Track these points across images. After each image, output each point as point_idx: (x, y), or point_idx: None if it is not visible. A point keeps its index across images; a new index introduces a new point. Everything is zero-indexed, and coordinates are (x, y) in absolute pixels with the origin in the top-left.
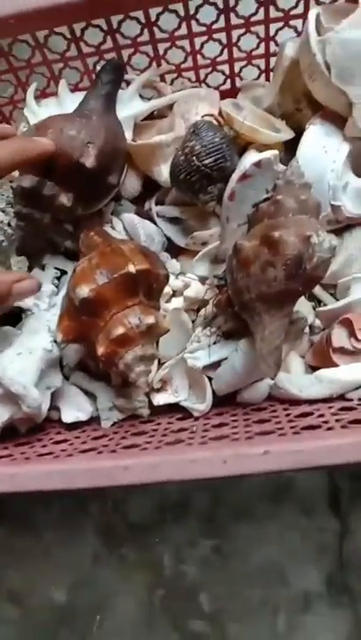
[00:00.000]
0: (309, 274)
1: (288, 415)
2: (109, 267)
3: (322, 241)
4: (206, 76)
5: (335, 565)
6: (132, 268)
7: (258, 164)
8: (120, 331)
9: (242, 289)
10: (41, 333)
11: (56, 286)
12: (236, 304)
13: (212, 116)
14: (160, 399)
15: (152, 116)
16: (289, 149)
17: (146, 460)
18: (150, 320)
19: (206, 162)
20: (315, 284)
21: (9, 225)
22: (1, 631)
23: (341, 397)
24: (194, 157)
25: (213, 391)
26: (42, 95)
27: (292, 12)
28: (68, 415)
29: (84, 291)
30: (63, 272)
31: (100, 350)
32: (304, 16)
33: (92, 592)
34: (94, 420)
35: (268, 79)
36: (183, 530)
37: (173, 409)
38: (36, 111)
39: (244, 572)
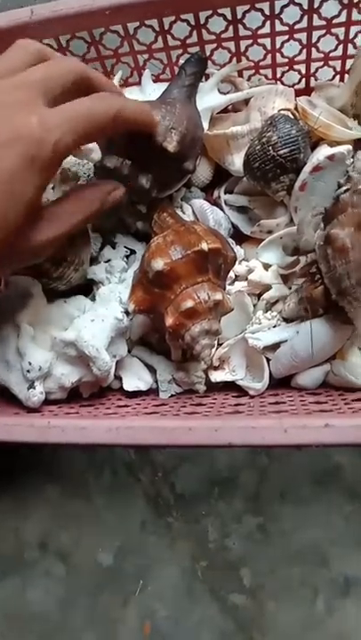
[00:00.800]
0: None
1: (345, 399)
2: (183, 243)
3: None
4: (283, 74)
5: None
6: (204, 246)
7: (331, 157)
8: (189, 304)
9: (341, 276)
10: (113, 303)
11: (126, 263)
12: (333, 292)
13: (288, 110)
14: (217, 376)
15: (227, 110)
16: (359, 148)
17: (209, 423)
18: (218, 296)
19: (281, 152)
20: None
21: (77, 176)
22: (48, 585)
23: None
24: (270, 147)
25: (270, 373)
26: (124, 84)
27: None
28: (130, 384)
29: (160, 264)
30: (132, 251)
31: (169, 321)
32: None
33: (137, 557)
34: (153, 392)
35: (342, 81)
36: (229, 505)
37: (229, 387)
38: None
39: (286, 551)
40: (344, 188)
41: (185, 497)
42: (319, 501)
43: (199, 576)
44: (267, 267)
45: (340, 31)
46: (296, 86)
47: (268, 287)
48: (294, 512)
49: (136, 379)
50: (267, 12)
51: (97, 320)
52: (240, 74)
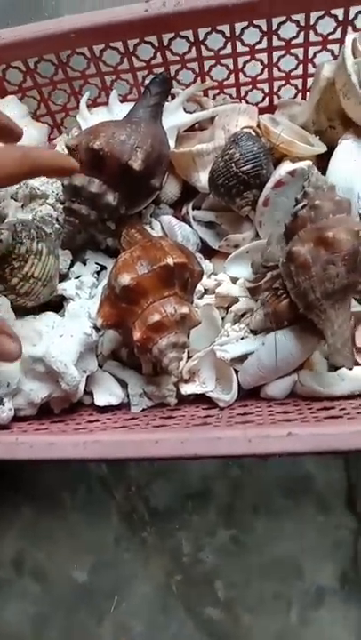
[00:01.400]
0: None
1: (311, 409)
2: (150, 259)
3: None
4: (247, 93)
5: (350, 562)
6: (170, 261)
7: (292, 173)
8: (156, 318)
9: (306, 290)
10: (82, 319)
11: (96, 279)
12: (300, 306)
13: (251, 128)
14: (188, 389)
15: (193, 129)
16: (321, 163)
17: (176, 435)
18: (184, 310)
19: (244, 169)
20: None
21: (57, 220)
22: (23, 604)
23: None
24: (233, 164)
25: (239, 384)
26: (92, 104)
27: (330, 37)
28: (101, 399)
29: (126, 279)
30: (103, 267)
31: (137, 335)
32: (341, 41)
33: (112, 573)
34: (124, 406)
35: (304, 98)
36: (203, 518)
37: (200, 400)
38: (88, 118)
39: (259, 563)
40: (301, 204)
41: (159, 511)
42: (291, 512)
43: (174, 591)
44: (234, 280)
45: (300, 51)
46: (260, 104)
47: (235, 300)
48: (267, 524)
49: (107, 394)
50: (228, 33)
51: (65, 335)
52: (205, 93)
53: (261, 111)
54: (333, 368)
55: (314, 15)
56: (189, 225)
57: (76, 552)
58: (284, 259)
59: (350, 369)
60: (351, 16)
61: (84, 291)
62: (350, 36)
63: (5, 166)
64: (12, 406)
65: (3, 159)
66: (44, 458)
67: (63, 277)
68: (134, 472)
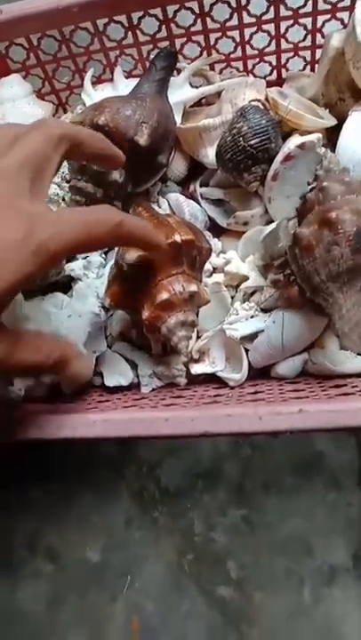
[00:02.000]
0: None
1: (322, 387)
2: None
3: None
4: (254, 66)
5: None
6: (177, 238)
7: (301, 146)
8: (164, 296)
9: (311, 273)
10: (90, 299)
11: (104, 259)
12: (307, 290)
13: (258, 101)
14: (197, 369)
15: (200, 104)
16: (331, 137)
17: (185, 413)
18: (193, 288)
19: (252, 142)
20: None
21: (63, 199)
22: (38, 584)
23: None
24: (240, 138)
25: (250, 364)
26: (97, 82)
27: (340, 5)
28: (111, 380)
29: (133, 256)
30: (111, 247)
31: (145, 314)
32: (351, 8)
33: (124, 553)
34: (134, 386)
35: (313, 70)
36: (214, 498)
37: (210, 379)
38: (93, 95)
39: (271, 542)
40: (310, 187)
41: (170, 491)
42: (302, 491)
43: (186, 570)
44: (244, 258)
45: (308, 21)
46: (268, 78)
47: (245, 278)
48: (278, 503)
49: (117, 374)
50: (233, 4)
51: (74, 316)
52: (212, 67)
53: (269, 84)
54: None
55: None
56: (197, 202)
57: (89, 533)
58: (290, 242)
59: (359, 354)
60: None
61: (92, 271)
62: None
63: (99, 236)
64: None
65: (97, 227)
66: (54, 437)
67: (71, 258)
68: (145, 452)
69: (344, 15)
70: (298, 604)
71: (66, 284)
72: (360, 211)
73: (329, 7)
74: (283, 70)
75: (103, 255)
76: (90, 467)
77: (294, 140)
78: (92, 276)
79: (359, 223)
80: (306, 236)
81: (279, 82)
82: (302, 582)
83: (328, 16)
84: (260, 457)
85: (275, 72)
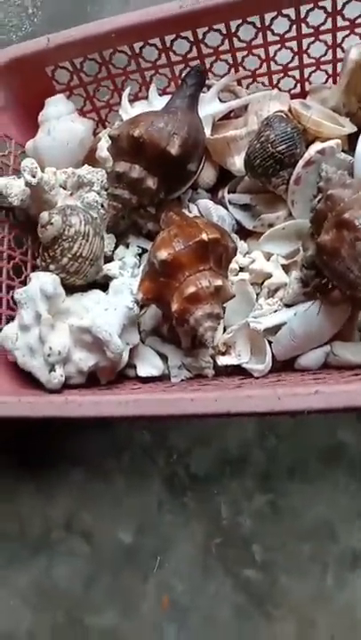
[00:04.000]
0: None
1: (342, 376)
2: (185, 236)
3: None
4: (279, 80)
5: None
6: (204, 237)
7: (322, 152)
8: (192, 290)
9: (344, 273)
10: (124, 293)
11: (138, 260)
12: (345, 289)
13: (282, 111)
14: (224, 361)
15: (229, 117)
16: (353, 144)
17: (209, 394)
18: (219, 282)
19: (280, 148)
20: None
21: (102, 205)
22: (73, 563)
23: None
24: (269, 145)
25: (274, 356)
26: (134, 99)
27: (358, 21)
28: (143, 370)
29: (163, 254)
30: (144, 250)
31: (175, 307)
32: None
33: (155, 536)
34: (165, 377)
35: (335, 83)
36: (241, 484)
37: (236, 371)
38: (130, 111)
39: (295, 527)
40: (317, 199)
41: (199, 477)
42: (326, 479)
43: (213, 552)
44: (268, 257)
45: (328, 37)
46: (293, 91)
47: (269, 275)
48: (302, 489)
49: (149, 365)
50: (258, 24)
51: (110, 309)
52: (239, 82)
53: (294, 97)
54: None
55: (340, 1)
56: (225, 208)
57: (122, 515)
58: (315, 253)
59: None
60: None
61: (127, 270)
62: None
63: None
64: (62, 373)
65: None
66: (90, 415)
67: (108, 260)
68: (175, 439)
69: None
70: (322, 588)
71: (104, 285)
72: None
73: (348, 24)
74: (306, 84)
75: (137, 257)
76: (124, 453)
77: (315, 147)
78: (127, 275)
79: None
80: (328, 242)
81: (303, 94)
82: (326, 567)
83: (347, 32)
84: (284, 445)
85: (298, 85)
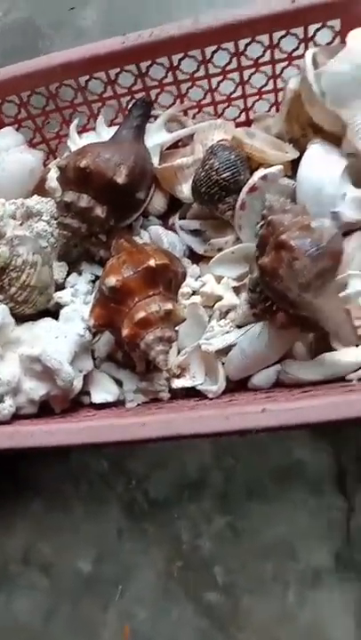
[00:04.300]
0: (329, 249)
1: (293, 393)
2: (134, 262)
3: (322, 223)
4: (223, 110)
5: (343, 542)
6: (152, 263)
7: (264, 178)
8: (142, 315)
9: (283, 292)
10: (75, 321)
11: (91, 287)
12: (288, 308)
13: (226, 140)
14: (179, 383)
15: (176, 146)
16: (295, 169)
17: (161, 417)
18: (168, 306)
19: (224, 175)
20: (340, 255)
21: (52, 234)
22: (32, 596)
23: (342, 379)
24: (213, 172)
25: (227, 376)
26: (82, 130)
27: (295, 54)
28: (98, 396)
29: (112, 281)
30: (97, 277)
31: (125, 332)
32: (304, 56)
33: (116, 563)
34: (121, 403)
35: (277, 111)
36: (199, 507)
37: (191, 394)
38: (78, 142)
39: (255, 547)
40: (260, 224)
41: (158, 502)
42: (284, 498)
43: (175, 577)
44: (218, 280)
45: (268, 69)
46: (238, 119)
47: (219, 298)
48: (261, 509)
49: (104, 391)
50: (199, 57)
51: (60, 336)
52: (185, 113)
53: (239, 125)
54: (314, 355)
55: (276, 35)
56: (176, 234)
57: (81, 544)
58: (258, 275)
59: (357, 346)
60: (311, 34)
61: (79, 297)
62: (310, 51)
63: None
64: (12, 403)
65: None
66: (42, 445)
67: (60, 287)
68: (133, 465)
69: (300, 61)
70: (284, 607)
71: (56, 313)
72: (305, 225)
73: (285, 56)
74: (250, 112)
75: (91, 284)
76: (82, 481)
77: (258, 173)
78: (80, 302)
79: (307, 234)
80: (268, 263)
81: (248, 123)
82: (287, 586)
83: (286, 63)
84: (242, 466)
85: (243, 114)
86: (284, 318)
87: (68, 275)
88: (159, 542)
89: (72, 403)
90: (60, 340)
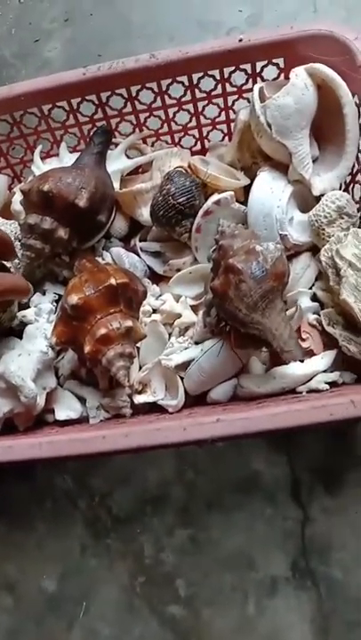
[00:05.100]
0: (273, 271)
1: (248, 406)
2: (95, 281)
3: (266, 246)
4: (180, 139)
5: (299, 551)
6: (113, 281)
7: (217, 202)
8: (103, 331)
9: (234, 312)
10: (39, 339)
11: (54, 307)
12: (239, 327)
13: (182, 167)
14: (140, 399)
15: (137, 172)
16: (247, 195)
17: (120, 430)
18: (129, 324)
19: (180, 200)
20: (284, 276)
21: (16, 256)
22: None
23: (293, 391)
24: (170, 197)
25: (186, 391)
26: (46, 156)
27: (244, 87)
28: (61, 413)
29: (74, 299)
30: (60, 297)
31: (87, 348)
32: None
33: (80, 580)
34: (84, 420)
35: (230, 140)
36: (161, 521)
37: (152, 409)
38: (41, 167)
39: (216, 558)
40: (212, 249)
41: (121, 518)
42: (242, 508)
43: (138, 592)
44: (177, 298)
45: (220, 101)
46: (194, 148)
47: (178, 315)
48: (221, 520)
49: (67, 409)
50: (156, 89)
51: (23, 354)
52: (144, 141)
53: (195, 153)
54: (266, 369)
55: (227, 70)
56: (138, 255)
57: (45, 562)
58: (210, 297)
59: (302, 361)
60: (258, 69)
61: (43, 317)
62: (257, 85)
63: None
64: None
65: None
66: (3, 460)
67: (24, 307)
68: (96, 482)
69: (250, 94)
70: (243, 617)
71: (20, 332)
72: (251, 248)
73: (235, 89)
74: (206, 141)
75: (54, 303)
76: (46, 499)
77: (212, 198)
78: (43, 320)
79: (252, 258)
80: (218, 286)
81: (203, 151)
82: (247, 595)
83: (236, 96)
84: (202, 479)
85: (198, 143)
86: (236, 340)
87: (32, 294)
88: (122, 558)
89: (36, 421)
90: (23, 357)
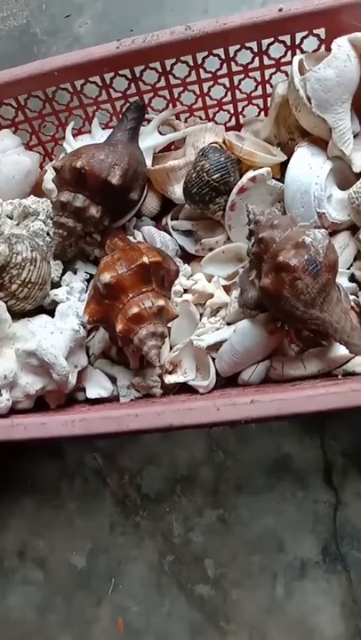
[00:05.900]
0: (326, 262)
1: (282, 388)
2: (128, 260)
3: (314, 236)
4: (214, 114)
5: (329, 535)
6: (146, 260)
7: (253, 179)
8: (135, 310)
9: (291, 310)
10: (70, 317)
11: (85, 285)
12: (295, 325)
13: (216, 143)
14: (171, 379)
15: (169, 149)
16: (284, 172)
17: (153, 408)
18: (161, 303)
19: (214, 177)
20: (336, 265)
21: (48, 234)
22: (27, 591)
23: (328, 374)
24: (204, 174)
25: (218, 372)
26: (78, 133)
27: (282, 60)
28: (92, 392)
29: (107, 277)
30: (92, 276)
31: (119, 327)
32: (291, 62)
33: (109, 557)
34: (115, 399)
35: (266, 115)
36: (191, 501)
37: (183, 389)
38: (73, 144)
39: (245, 540)
40: (250, 243)
41: (150, 497)
42: (272, 491)
43: (166, 570)
44: (210, 278)
45: (257, 74)
46: (228, 124)
47: (211, 296)
48: (250, 502)
49: (98, 387)
50: (191, 63)
51: (56, 332)
52: (177, 116)
53: (229, 129)
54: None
55: (265, 42)
56: (169, 234)
57: (75, 539)
58: (259, 296)
59: None
60: (298, 41)
61: (74, 295)
62: (297, 57)
63: None
64: (9, 397)
65: None
66: (36, 437)
67: (56, 286)
68: (126, 461)
69: (288, 68)
70: (272, 598)
71: (52, 310)
72: (299, 242)
73: (273, 62)
74: (240, 116)
75: (85, 282)
76: (76, 477)
77: (247, 175)
78: (75, 299)
79: (303, 252)
80: (270, 285)
81: (238, 127)
82: (275, 577)
83: (274, 69)
84: (232, 461)
85: (233, 118)
86: (297, 339)
87: (63, 273)
88: (151, 536)
89: (67, 399)
90: (55, 335)
